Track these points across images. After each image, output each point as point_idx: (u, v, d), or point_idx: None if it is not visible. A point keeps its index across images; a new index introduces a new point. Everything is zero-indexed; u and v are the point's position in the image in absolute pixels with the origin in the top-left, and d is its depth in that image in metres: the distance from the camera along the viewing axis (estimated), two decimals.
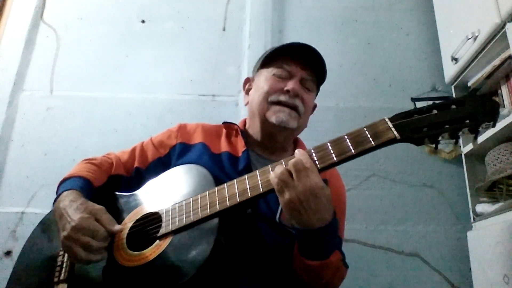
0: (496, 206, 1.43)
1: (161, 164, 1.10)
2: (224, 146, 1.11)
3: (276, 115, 1.05)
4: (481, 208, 1.53)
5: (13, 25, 1.96)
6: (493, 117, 0.72)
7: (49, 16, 2.01)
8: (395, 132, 0.76)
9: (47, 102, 1.86)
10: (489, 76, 1.54)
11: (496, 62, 1.48)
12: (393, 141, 0.76)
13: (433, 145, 0.77)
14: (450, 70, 1.73)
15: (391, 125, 0.77)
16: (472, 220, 1.59)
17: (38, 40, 1.97)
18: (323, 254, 0.84)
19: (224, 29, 2.01)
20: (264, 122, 1.09)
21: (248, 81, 1.23)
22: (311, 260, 0.83)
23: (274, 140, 1.11)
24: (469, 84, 1.69)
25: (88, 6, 2.04)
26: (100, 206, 0.91)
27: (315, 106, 1.22)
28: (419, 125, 0.75)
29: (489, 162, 1.50)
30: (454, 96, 1.76)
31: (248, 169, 1.03)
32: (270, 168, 0.83)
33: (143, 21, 2.02)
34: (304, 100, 1.08)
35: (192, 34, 1.99)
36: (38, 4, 2.01)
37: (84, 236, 0.83)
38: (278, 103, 1.06)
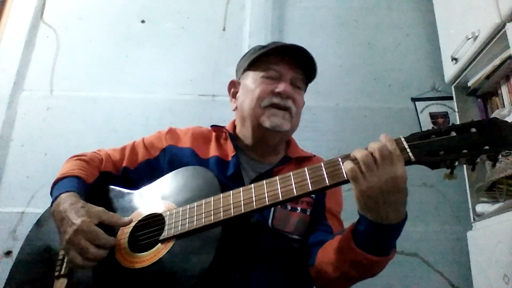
0: (496, 206, 1.43)
1: (150, 166, 1.09)
2: (213, 151, 1.10)
3: (270, 120, 1.03)
4: (481, 208, 1.53)
5: (13, 25, 1.96)
6: None
7: (49, 16, 2.01)
8: (410, 154, 0.72)
9: (47, 102, 1.86)
10: (489, 76, 1.54)
11: (496, 62, 1.48)
12: (407, 163, 0.72)
13: (449, 170, 0.73)
14: (450, 70, 1.73)
15: (406, 146, 0.73)
16: (472, 220, 1.59)
17: (38, 40, 1.96)
18: (388, 251, 0.79)
19: (224, 29, 2.01)
20: (257, 127, 1.06)
21: (233, 84, 1.18)
22: (373, 255, 0.77)
23: (266, 144, 1.10)
24: (469, 84, 1.69)
25: (88, 6, 2.04)
26: (101, 208, 0.90)
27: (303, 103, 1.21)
28: (436, 148, 0.71)
29: (489, 162, 1.50)
30: (454, 96, 1.76)
31: (238, 174, 1.03)
32: (278, 181, 0.81)
33: (143, 21, 2.02)
34: (295, 100, 1.07)
35: (192, 34, 1.99)
36: (38, 4, 2.00)
37: (84, 240, 0.82)
38: (271, 105, 1.04)
